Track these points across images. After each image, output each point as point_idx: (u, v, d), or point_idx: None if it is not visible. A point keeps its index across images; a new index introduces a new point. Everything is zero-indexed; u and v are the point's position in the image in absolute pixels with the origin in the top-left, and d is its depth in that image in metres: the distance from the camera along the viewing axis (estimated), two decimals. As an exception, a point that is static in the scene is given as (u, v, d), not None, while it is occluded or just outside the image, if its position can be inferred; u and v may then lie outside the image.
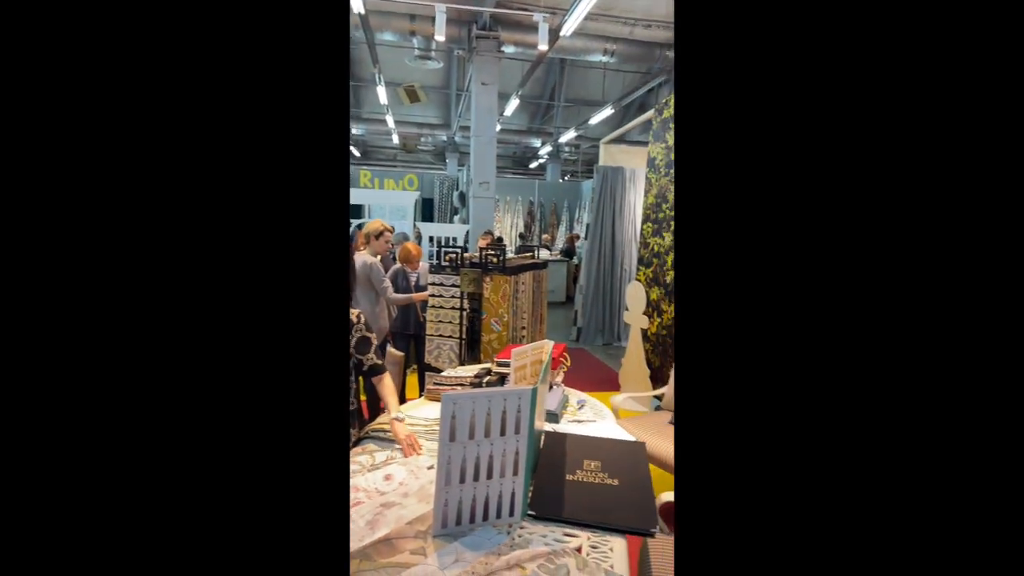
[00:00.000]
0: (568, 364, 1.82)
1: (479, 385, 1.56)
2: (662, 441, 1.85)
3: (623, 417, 2.12)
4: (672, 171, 3.13)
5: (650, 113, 3.64)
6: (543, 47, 4.36)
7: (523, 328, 2.50)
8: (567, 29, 4.05)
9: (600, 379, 3.70)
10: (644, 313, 3.18)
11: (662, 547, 1.20)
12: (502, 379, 1.60)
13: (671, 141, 3.16)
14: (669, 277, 3.10)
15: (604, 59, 5.48)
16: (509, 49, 5.34)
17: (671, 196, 3.12)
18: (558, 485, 1.09)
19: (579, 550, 0.92)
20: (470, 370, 1.70)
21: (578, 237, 8.20)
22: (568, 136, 8.50)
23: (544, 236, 9.50)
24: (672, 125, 3.15)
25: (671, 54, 5.43)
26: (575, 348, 4.79)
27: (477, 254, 2.37)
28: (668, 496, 1.28)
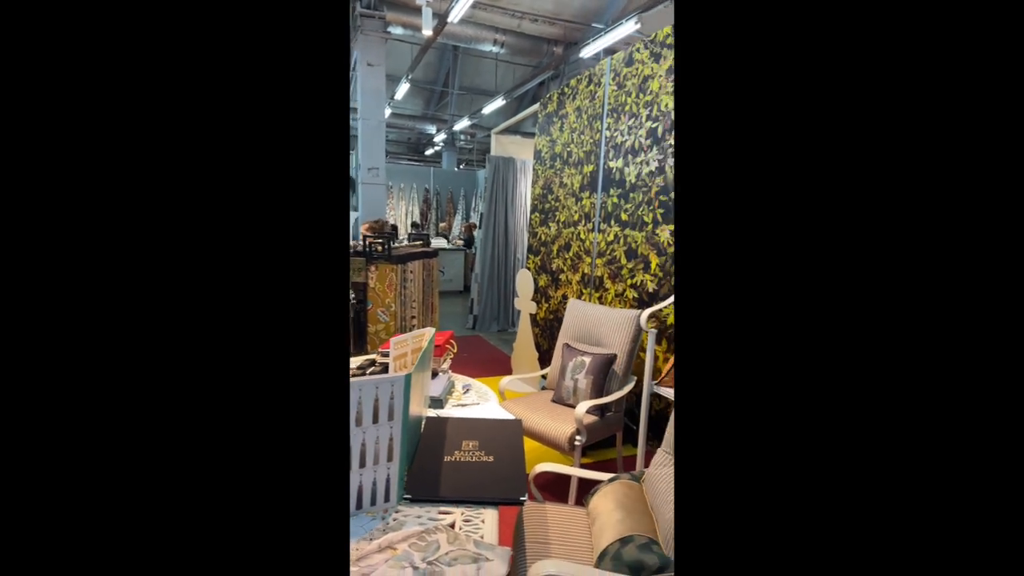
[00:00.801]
0: (455, 350, 1.86)
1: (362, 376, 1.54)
2: (540, 417, 1.98)
3: (509, 398, 2.23)
4: (556, 163, 3.29)
5: (535, 107, 3.77)
6: (427, 32, 4.28)
7: (413, 318, 2.49)
8: (454, 16, 4.03)
9: (494, 364, 3.81)
10: (532, 299, 3.32)
11: (535, 513, 1.30)
12: (386, 369, 1.59)
13: (555, 135, 3.31)
14: (555, 265, 3.28)
15: (495, 49, 5.54)
16: (396, 31, 5.17)
17: (556, 187, 3.28)
18: (435, 467, 1.13)
19: (452, 526, 0.97)
20: (354, 362, 1.66)
21: (475, 226, 8.25)
22: (463, 124, 8.47)
23: (441, 224, 9.42)
24: (555, 120, 3.31)
25: (559, 50, 5.65)
26: (471, 335, 4.87)
27: (361, 242, 2.30)
28: (543, 467, 1.38)
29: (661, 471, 1.23)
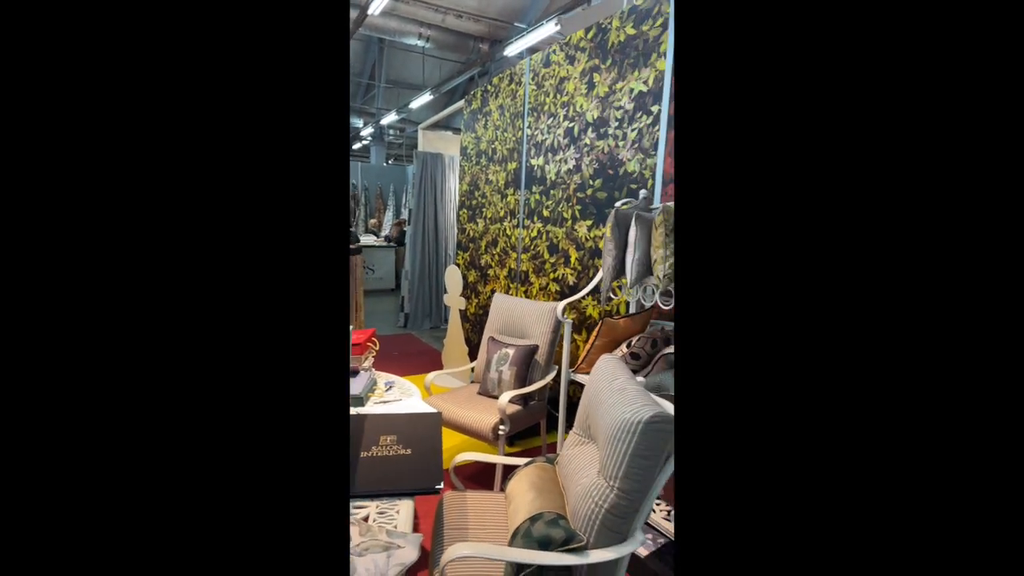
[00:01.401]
0: (376, 348, 1.85)
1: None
2: (464, 409, 2.02)
3: (436, 393, 2.25)
4: (482, 160, 3.33)
5: (460, 103, 3.78)
6: (351, 23, 4.16)
7: (336, 317, 2.44)
8: (374, 8, 3.94)
9: (425, 361, 3.79)
10: (462, 295, 3.35)
11: (455, 501, 1.34)
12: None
13: (480, 132, 3.35)
14: (483, 260, 3.32)
15: (420, 43, 5.47)
16: (316, 19, 4.95)
17: (482, 184, 3.33)
18: (351, 463, 1.14)
19: (366, 519, 0.98)
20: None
21: (404, 223, 8.11)
22: (391, 118, 8.28)
23: (371, 221, 9.16)
24: (480, 117, 3.35)
25: (485, 47, 5.67)
26: (403, 334, 4.80)
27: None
28: (463, 457, 1.42)
29: (571, 451, 1.32)
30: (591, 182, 2.34)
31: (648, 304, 1.84)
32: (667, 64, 1.93)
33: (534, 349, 2.15)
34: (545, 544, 1.04)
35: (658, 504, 1.61)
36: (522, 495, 1.21)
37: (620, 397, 1.13)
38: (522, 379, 2.10)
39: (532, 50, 4.92)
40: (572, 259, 2.50)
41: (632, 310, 1.94)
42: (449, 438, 2.51)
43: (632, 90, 2.09)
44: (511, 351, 2.15)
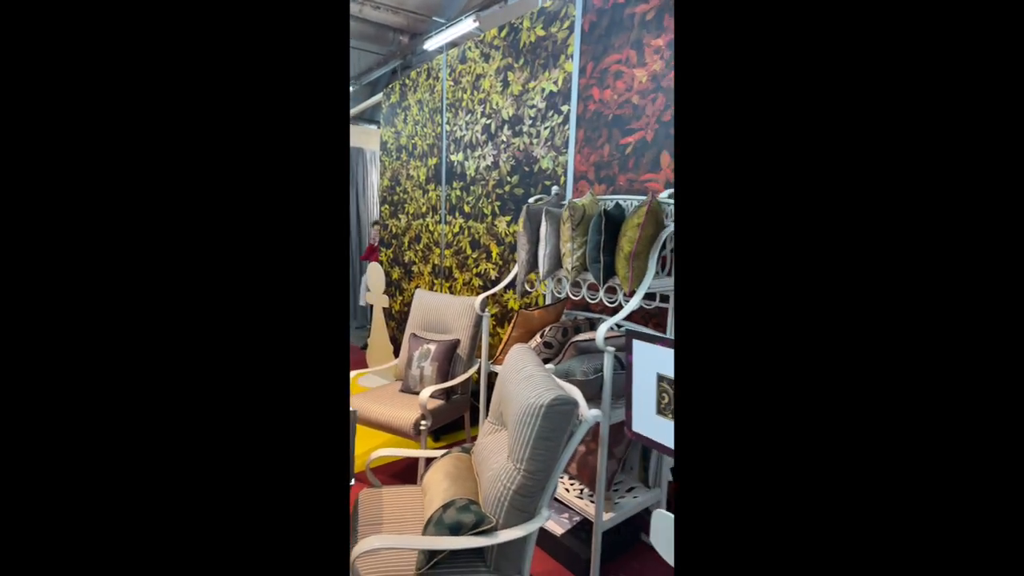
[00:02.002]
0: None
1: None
2: (384, 407, 2.01)
3: (357, 392, 2.21)
4: (402, 155, 3.29)
5: (379, 97, 3.70)
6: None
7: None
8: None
9: (352, 360, 3.69)
10: (385, 292, 3.29)
11: (371, 498, 1.34)
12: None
13: (399, 126, 3.30)
14: (407, 257, 3.29)
15: (337, 33, 5.26)
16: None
17: (403, 179, 3.28)
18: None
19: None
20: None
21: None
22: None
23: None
24: (399, 111, 3.29)
25: (405, 40, 5.56)
26: (326, 335, 4.63)
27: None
28: (379, 453, 1.42)
29: (485, 439, 1.36)
30: (509, 178, 2.40)
31: (561, 295, 1.93)
32: (574, 66, 2.02)
33: (456, 344, 2.17)
34: (456, 529, 1.07)
35: (572, 484, 1.70)
36: (437, 485, 1.24)
37: (527, 384, 1.19)
38: (444, 374, 2.12)
39: (453, 45, 4.91)
40: (494, 254, 2.55)
41: (548, 301, 2.02)
42: (372, 437, 2.48)
43: (544, 90, 2.17)
44: (433, 347, 2.16)
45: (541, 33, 2.17)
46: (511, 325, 1.81)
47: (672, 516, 1.04)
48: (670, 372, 0.93)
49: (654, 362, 0.95)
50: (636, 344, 0.98)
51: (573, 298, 1.69)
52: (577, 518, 1.74)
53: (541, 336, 1.75)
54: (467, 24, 3.82)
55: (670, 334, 1.60)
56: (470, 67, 2.60)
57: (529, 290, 1.88)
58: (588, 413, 1.11)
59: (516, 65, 2.31)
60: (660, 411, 0.96)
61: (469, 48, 2.62)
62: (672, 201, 1.55)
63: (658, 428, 0.98)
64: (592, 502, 1.56)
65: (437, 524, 1.09)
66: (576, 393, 1.20)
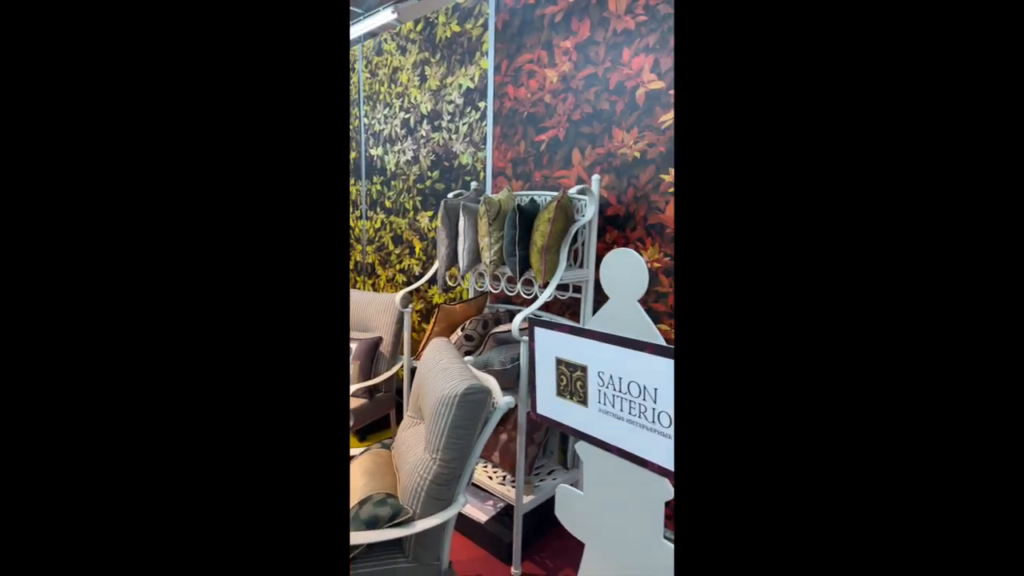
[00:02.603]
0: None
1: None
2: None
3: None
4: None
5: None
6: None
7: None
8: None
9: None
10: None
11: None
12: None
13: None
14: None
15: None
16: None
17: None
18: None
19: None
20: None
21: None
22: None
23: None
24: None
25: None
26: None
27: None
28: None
29: (404, 433, 1.37)
30: (429, 173, 2.40)
31: (481, 289, 1.97)
32: (489, 63, 2.05)
33: (378, 341, 2.15)
34: (372, 523, 1.07)
35: (496, 472, 1.75)
36: (354, 483, 1.23)
37: (443, 376, 1.21)
38: (367, 372, 2.09)
39: (370, 35, 4.78)
40: (416, 249, 2.53)
41: (472, 295, 2.05)
42: (295, 442, 2.38)
43: (461, 85, 2.19)
44: (354, 345, 2.12)
45: (457, 29, 2.18)
46: (432, 321, 1.82)
47: (576, 491, 1.12)
48: (566, 356, 0.99)
49: (553, 347, 1.01)
50: (537, 331, 1.03)
51: (494, 291, 1.73)
52: (501, 504, 1.79)
53: (462, 329, 1.78)
54: (385, 15, 3.74)
55: (583, 323, 1.69)
56: (387, 59, 2.56)
57: (452, 285, 1.90)
58: (502, 400, 1.16)
59: (433, 60, 2.30)
60: (559, 393, 1.02)
61: (385, 40, 2.57)
62: (582, 197, 1.64)
63: (558, 409, 1.04)
64: (514, 487, 1.61)
65: (353, 520, 1.09)
66: (491, 382, 1.25)
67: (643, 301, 0.87)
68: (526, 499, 1.57)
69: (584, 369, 0.95)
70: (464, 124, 2.19)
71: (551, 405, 1.05)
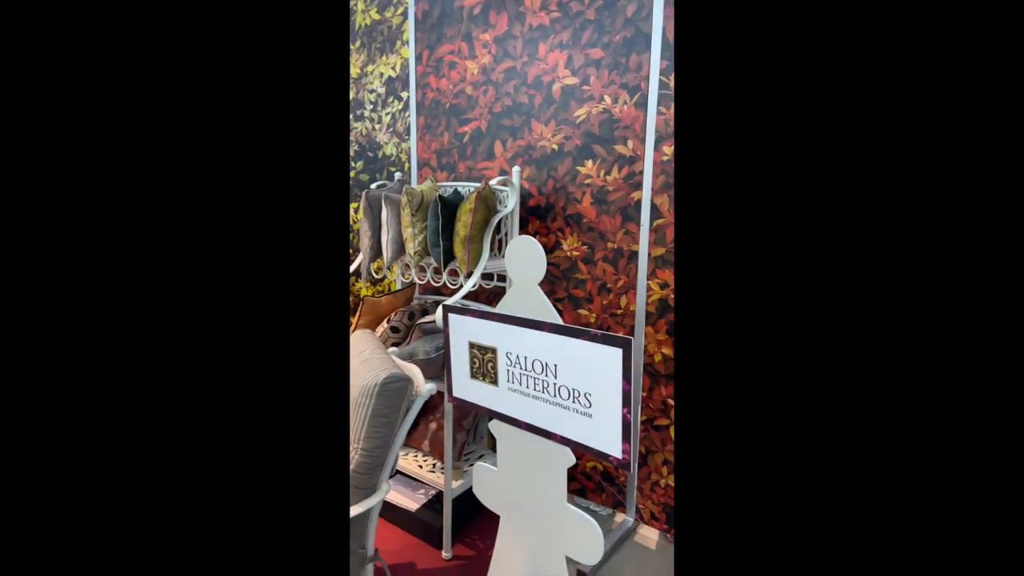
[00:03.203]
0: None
1: None
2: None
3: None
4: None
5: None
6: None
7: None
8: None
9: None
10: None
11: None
12: None
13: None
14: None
15: None
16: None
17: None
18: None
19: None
20: None
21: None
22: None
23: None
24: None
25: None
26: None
27: None
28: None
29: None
30: (353, 164, 2.34)
31: (408, 280, 1.97)
32: (410, 53, 2.04)
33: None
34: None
35: (426, 460, 1.77)
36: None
37: (364, 366, 1.21)
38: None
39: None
40: (342, 242, 2.47)
41: (400, 287, 2.04)
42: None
43: (382, 74, 2.15)
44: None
45: (376, 17, 2.14)
46: (357, 313, 1.80)
47: (490, 467, 1.17)
48: (478, 339, 1.03)
49: (466, 332, 1.05)
50: (451, 317, 1.06)
51: (420, 283, 1.74)
52: (433, 492, 1.82)
53: (388, 321, 1.77)
54: None
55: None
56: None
57: (379, 277, 1.88)
58: (423, 387, 1.18)
59: (353, 47, 2.25)
60: (473, 375, 1.07)
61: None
62: (504, 188, 1.68)
63: (472, 390, 1.08)
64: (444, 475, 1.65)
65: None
66: (414, 370, 1.26)
67: (564, 287, 0.92)
68: (455, 484, 1.60)
69: (494, 351, 1.00)
70: (387, 114, 2.17)
71: (466, 388, 1.09)
